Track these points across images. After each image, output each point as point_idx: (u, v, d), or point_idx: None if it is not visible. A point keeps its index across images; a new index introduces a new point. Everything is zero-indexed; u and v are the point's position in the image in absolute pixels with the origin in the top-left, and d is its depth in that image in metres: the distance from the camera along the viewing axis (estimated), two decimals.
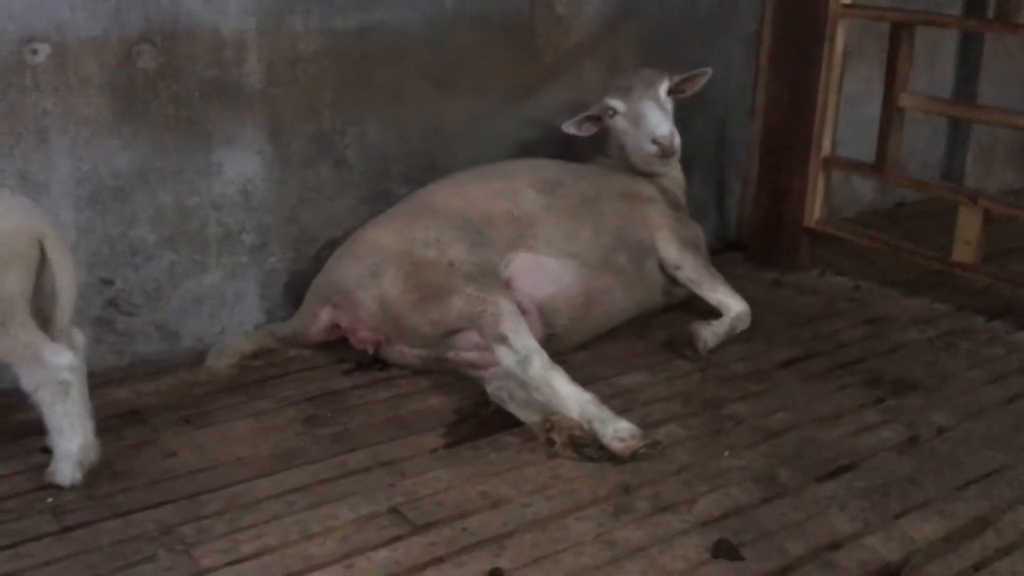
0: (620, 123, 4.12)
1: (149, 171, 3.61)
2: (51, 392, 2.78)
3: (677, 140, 4.03)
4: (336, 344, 3.78)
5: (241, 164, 3.80)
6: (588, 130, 4.17)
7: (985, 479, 3.03)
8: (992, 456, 3.15)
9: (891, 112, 4.46)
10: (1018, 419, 3.43)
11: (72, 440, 2.83)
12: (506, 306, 3.39)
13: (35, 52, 3.29)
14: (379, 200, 4.14)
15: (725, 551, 2.64)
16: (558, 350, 3.70)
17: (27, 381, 2.78)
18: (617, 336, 3.99)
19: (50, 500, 2.80)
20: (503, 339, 3.31)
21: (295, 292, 3.97)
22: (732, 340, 3.98)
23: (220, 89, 3.69)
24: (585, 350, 3.87)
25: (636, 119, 4.04)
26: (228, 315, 3.89)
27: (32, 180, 3.38)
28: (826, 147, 4.73)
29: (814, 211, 4.81)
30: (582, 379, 3.42)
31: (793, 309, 4.40)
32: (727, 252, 5.10)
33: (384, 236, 3.67)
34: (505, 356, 3.29)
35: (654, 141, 3.98)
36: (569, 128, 4.15)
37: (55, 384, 2.78)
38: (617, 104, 4.09)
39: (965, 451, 3.20)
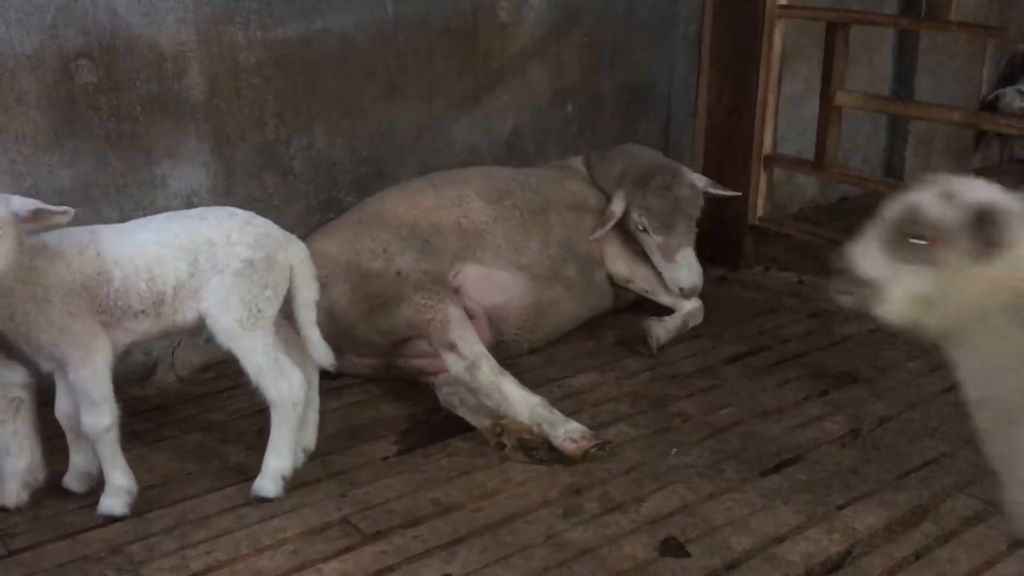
0: (648, 242, 4.04)
1: (92, 186, 3.59)
2: (1, 410, 2.76)
3: (700, 283, 4.01)
4: None
5: (185, 176, 3.78)
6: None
7: (925, 467, 3.11)
8: (932, 445, 3.24)
9: (828, 110, 4.55)
10: (956, 408, 3.51)
11: (19, 460, 2.81)
12: (454, 313, 3.41)
13: None
14: (327, 209, 4.15)
15: (672, 549, 2.69)
16: (508, 355, 3.75)
17: None
18: (567, 337, 4.03)
19: None
20: (452, 346, 3.33)
21: None
22: (681, 337, 4.05)
23: (162, 103, 3.67)
24: (535, 352, 3.91)
25: (669, 256, 3.98)
26: None
27: None
28: (767, 145, 4.81)
29: (757, 208, 4.89)
30: (533, 381, 3.48)
31: (739, 304, 4.47)
32: None
33: (331, 247, 3.67)
34: (454, 363, 3.31)
35: (680, 289, 4.00)
36: (599, 235, 4.02)
37: (5, 402, 2.76)
38: (652, 238, 3.99)
39: (905, 441, 3.28)
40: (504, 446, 3.15)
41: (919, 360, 3.89)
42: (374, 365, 3.65)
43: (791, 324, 4.26)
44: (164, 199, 3.75)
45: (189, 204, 3.80)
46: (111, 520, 2.76)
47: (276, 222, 3.95)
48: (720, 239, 4.99)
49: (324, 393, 3.55)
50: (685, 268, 3.99)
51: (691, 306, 4.15)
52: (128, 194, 3.67)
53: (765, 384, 3.68)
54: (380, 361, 3.63)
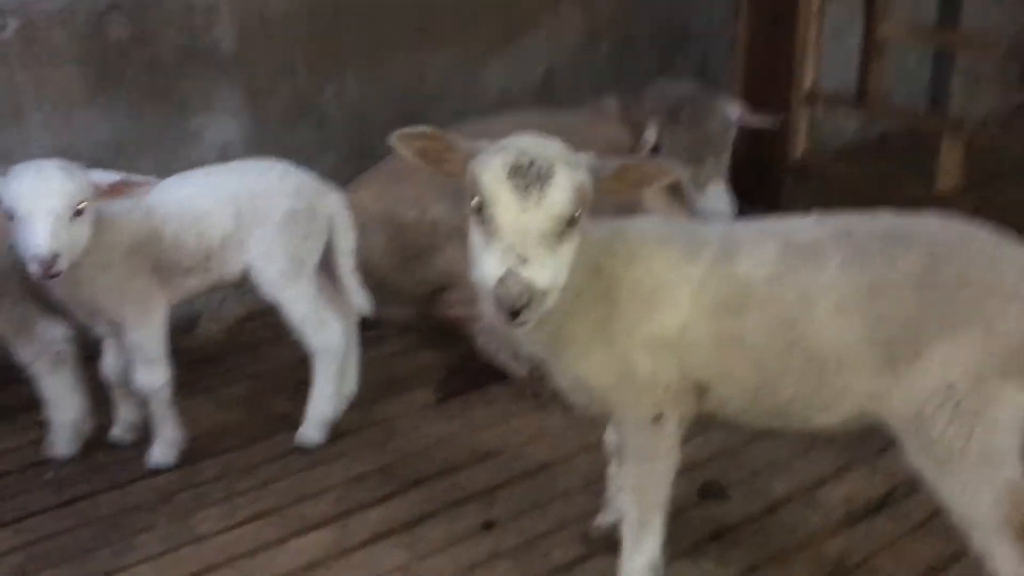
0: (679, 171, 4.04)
1: (127, 141, 3.61)
2: (46, 364, 2.82)
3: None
4: None
5: (220, 129, 3.79)
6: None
7: None
8: None
9: (872, 44, 4.43)
10: None
11: (67, 411, 2.87)
12: None
13: (2, 27, 3.27)
14: (361, 157, 4.12)
15: (712, 492, 2.70)
16: None
17: (22, 354, 2.81)
18: None
19: (50, 474, 2.85)
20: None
21: None
22: None
23: (193, 55, 3.67)
24: None
25: (700, 187, 3.93)
26: None
27: (9, 158, 3.37)
28: (808, 81, 4.70)
29: (797, 146, 4.81)
30: None
31: None
32: None
33: (365, 197, 3.65)
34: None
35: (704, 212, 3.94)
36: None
37: (49, 356, 2.82)
38: (683, 171, 3.87)
39: None
40: (540, 394, 3.16)
41: None
42: (411, 314, 3.67)
43: None
44: (199, 152, 3.76)
45: (224, 156, 3.81)
46: (160, 471, 2.82)
47: (310, 171, 4.03)
48: (759, 180, 4.93)
49: (363, 342, 3.59)
50: (717, 199, 3.94)
51: None
52: (164, 147, 3.69)
53: None
54: (417, 310, 3.65)
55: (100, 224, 2.49)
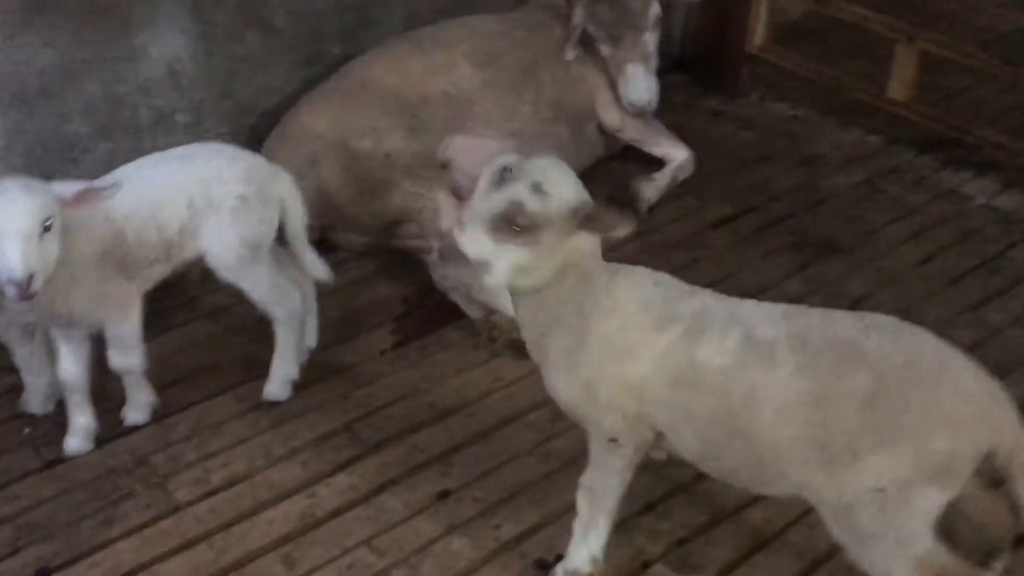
0: (603, 52, 4.00)
1: (72, 64, 3.51)
2: (16, 336, 2.90)
3: (655, 100, 3.98)
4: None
5: (165, 44, 3.68)
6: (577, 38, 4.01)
7: None
8: None
9: None
10: (927, 284, 3.68)
11: (40, 376, 2.99)
12: (444, 201, 3.47)
13: None
14: (314, 62, 4.06)
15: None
16: None
17: None
18: None
19: (27, 430, 3.00)
20: (443, 236, 3.42)
21: None
22: (669, 196, 4.11)
23: None
24: None
25: (619, 68, 3.95)
26: None
27: None
28: None
29: (755, 36, 4.77)
30: None
31: (730, 149, 4.49)
32: (671, 73, 5.05)
33: (319, 122, 3.64)
34: None
35: (629, 104, 3.94)
36: (570, 55, 3.98)
37: (20, 328, 2.89)
38: (603, 49, 3.98)
39: None
40: (495, 339, 3.33)
41: (900, 223, 4.01)
42: (368, 242, 3.75)
43: (779, 176, 4.31)
44: (147, 69, 3.68)
45: (171, 72, 3.74)
46: (136, 428, 2.98)
47: (262, 82, 3.98)
48: (717, 66, 4.93)
49: None
50: (632, 83, 3.96)
51: (680, 158, 4.18)
52: (110, 68, 3.60)
53: (748, 256, 3.81)
54: (374, 239, 3.73)
55: (66, 236, 2.47)
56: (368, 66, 3.79)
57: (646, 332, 2.22)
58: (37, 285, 2.36)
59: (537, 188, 2.10)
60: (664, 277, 2.33)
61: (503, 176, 2.13)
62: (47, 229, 2.38)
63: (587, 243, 2.21)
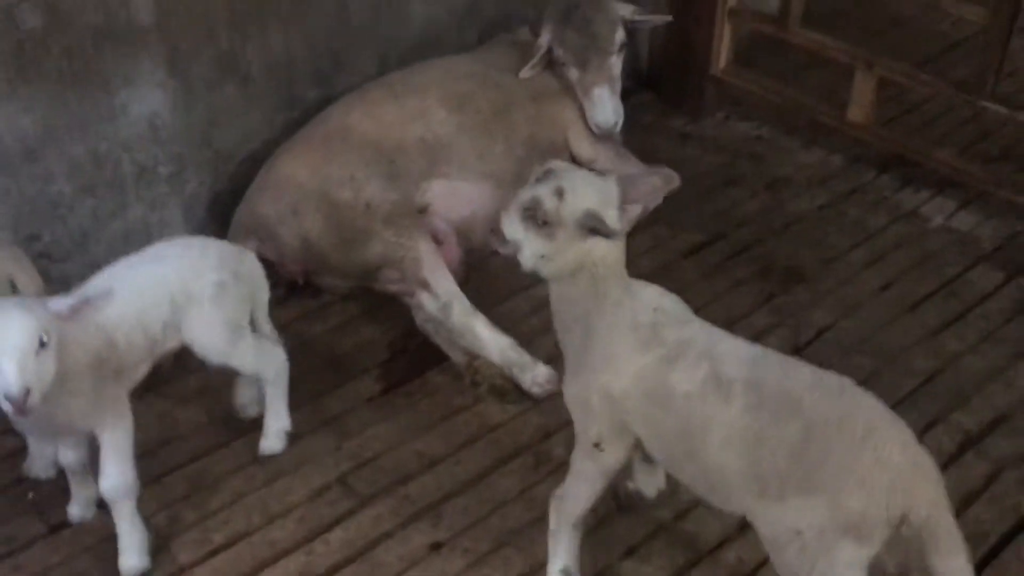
0: (570, 75, 4.12)
1: (55, 127, 3.58)
2: None
3: (620, 122, 4.09)
4: (268, 263, 3.93)
5: (144, 101, 3.76)
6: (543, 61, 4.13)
7: None
8: (861, 363, 3.57)
9: None
10: (889, 310, 3.85)
11: (44, 442, 3.09)
12: (425, 249, 3.60)
13: None
14: (291, 107, 4.16)
15: (629, 499, 3.09)
16: (478, 259, 3.97)
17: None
18: None
19: (31, 495, 3.11)
20: (424, 284, 3.56)
21: (219, 210, 4.07)
22: (641, 224, 4.22)
23: (111, 33, 3.57)
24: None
25: (586, 92, 4.07)
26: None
27: None
28: None
29: (720, 60, 4.90)
30: (502, 291, 3.79)
31: (697, 173, 4.62)
32: (639, 92, 5.19)
33: (300, 171, 3.73)
34: (427, 301, 3.55)
35: (596, 126, 4.06)
36: (527, 73, 4.09)
37: None
38: (571, 72, 4.09)
39: (839, 354, 3.62)
40: (479, 384, 3.47)
41: (861, 249, 4.17)
42: (351, 285, 3.86)
43: (746, 200, 4.45)
44: (127, 126, 3.75)
45: (152, 126, 3.82)
46: None
47: (239, 129, 4.07)
48: (682, 86, 5.06)
49: (306, 315, 3.85)
50: (599, 105, 4.09)
51: None
52: (91, 128, 3.67)
53: (717, 287, 3.95)
54: (356, 283, 3.84)
55: (62, 349, 2.50)
56: (345, 114, 3.88)
57: (631, 352, 2.47)
58: (34, 400, 2.39)
59: (558, 192, 2.41)
60: (667, 302, 2.58)
61: (543, 176, 2.47)
62: (43, 345, 2.41)
63: (605, 251, 2.46)
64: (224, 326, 2.94)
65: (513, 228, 2.49)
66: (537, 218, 2.42)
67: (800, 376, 2.35)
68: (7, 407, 2.40)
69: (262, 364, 3.08)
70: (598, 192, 2.45)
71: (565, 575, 2.76)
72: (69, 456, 2.91)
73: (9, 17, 3.32)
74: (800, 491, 2.22)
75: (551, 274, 2.52)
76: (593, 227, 2.39)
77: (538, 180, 2.47)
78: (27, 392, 2.37)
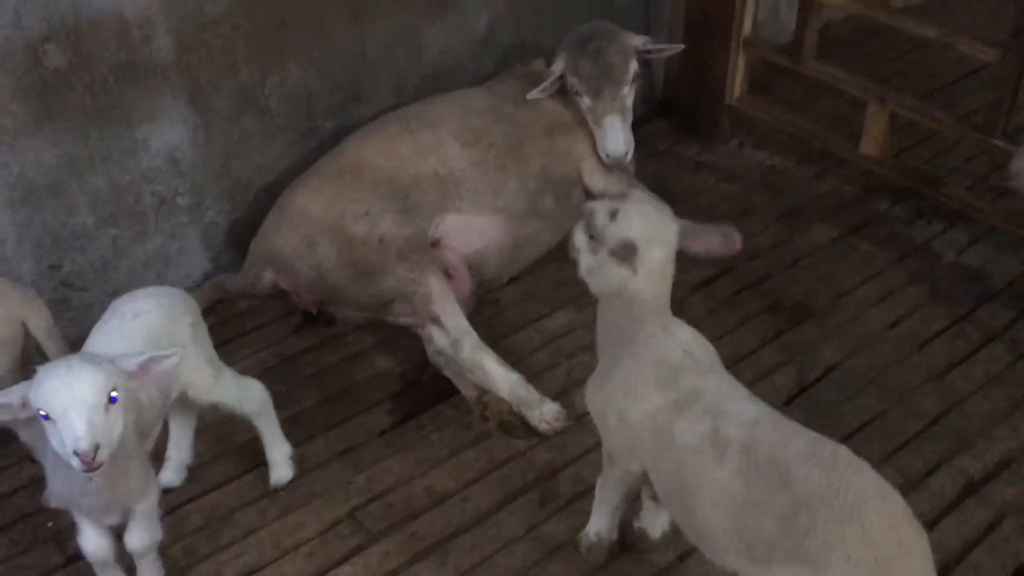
0: (582, 104, 4.18)
1: (77, 161, 3.67)
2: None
3: (631, 152, 4.14)
4: (285, 293, 4.01)
5: (165, 135, 3.84)
6: (553, 87, 4.18)
7: (859, 432, 3.50)
8: (866, 404, 3.61)
9: (809, 5, 4.47)
10: (895, 348, 3.87)
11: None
12: (436, 285, 3.66)
13: None
14: (308, 138, 4.24)
15: (635, 540, 3.14)
16: (489, 290, 4.04)
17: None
18: (546, 260, 4.25)
19: (50, 524, 3.20)
20: (435, 320, 3.62)
21: (237, 238, 4.16)
22: None
23: (133, 69, 3.66)
24: (514, 281, 4.18)
25: (597, 121, 4.12)
26: (175, 271, 4.10)
27: None
28: (747, 27, 4.76)
29: (734, 89, 4.93)
30: (513, 322, 3.84)
31: (711, 203, 4.67)
32: (653, 119, 5.24)
33: (315, 205, 3.81)
34: (438, 337, 3.62)
35: (606, 155, 4.11)
36: (535, 95, 4.14)
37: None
38: (583, 101, 4.15)
39: (845, 397, 3.65)
40: (488, 419, 3.53)
41: (871, 284, 4.19)
42: (365, 316, 3.93)
43: (759, 232, 4.47)
44: (148, 159, 3.84)
45: (172, 159, 3.90)
46: None
47: (258, 160, 4.15)
48: (697, 114, 5.09)
49: (322, 345, 3.91)
50: (611, 134, 4.13)
51: None
52: (113, 162, 3.76)
53: (726, 322, 3.98)
54: (370, 314, 3.91)
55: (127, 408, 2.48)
56: (360, 147, 3.95)
57: (648, 390, 2.57)
58: (103, 456, 2.36)
59: (613, 214, 2.55)
60: (698, 348, 2.66)
61: (617, 196, 2.76)
62: (112, 401, 2.40)
63: (642, 285, 2.57)
64: (207, 363, 3.00)
65: (579, 236, 2.66)
66: (589, 231, 2.59)
67: (794, 444, 2.36)
68: (76, 464, 2.36)
69: (242, 397, 3.13)
70: (652, 228, 2.54)
71: (597, 537, 2.99)
72: (94, 544, 2.77)
73: (34, 56, 3.41)
74: (787, 559, 2.25)
75: (594, 289, 2.66)
76: (621, 256, 2.50)
77: (613, 197, 2.70)
78: (96, 447, 2.34)
